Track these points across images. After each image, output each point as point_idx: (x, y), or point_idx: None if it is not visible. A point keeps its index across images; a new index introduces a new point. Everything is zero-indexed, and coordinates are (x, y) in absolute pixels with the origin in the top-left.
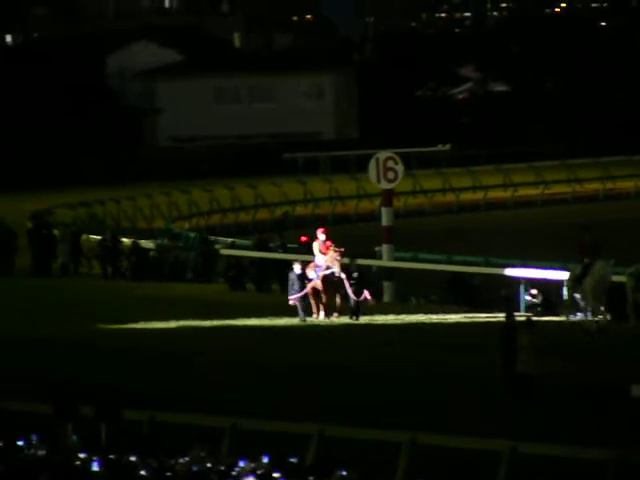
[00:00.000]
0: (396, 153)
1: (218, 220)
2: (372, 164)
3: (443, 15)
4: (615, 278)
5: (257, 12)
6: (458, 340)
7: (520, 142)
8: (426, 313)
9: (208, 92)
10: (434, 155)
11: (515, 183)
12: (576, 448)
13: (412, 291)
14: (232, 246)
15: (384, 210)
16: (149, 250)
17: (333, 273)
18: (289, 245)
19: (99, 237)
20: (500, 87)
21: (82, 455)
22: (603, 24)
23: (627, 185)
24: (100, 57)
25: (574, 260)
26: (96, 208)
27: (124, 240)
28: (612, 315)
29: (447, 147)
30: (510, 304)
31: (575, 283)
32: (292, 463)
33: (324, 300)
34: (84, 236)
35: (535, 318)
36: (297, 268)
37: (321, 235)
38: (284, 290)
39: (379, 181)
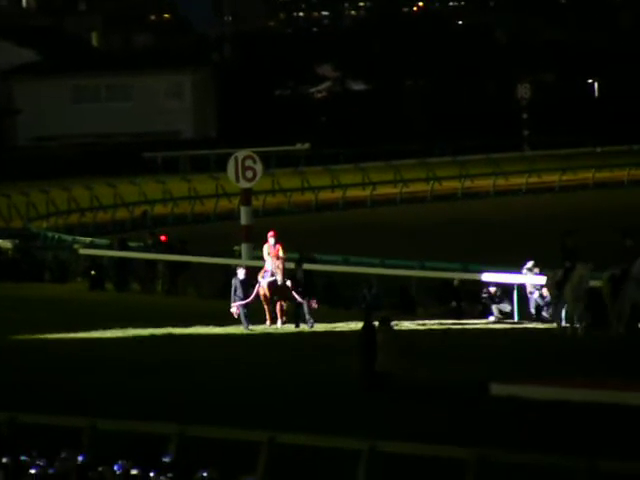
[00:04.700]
0: (255, 152)
1: (76, 219)
2: (231, 163)
3: (301, 14)
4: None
5: (115, 11)
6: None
7: (379, 141)
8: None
9: (66, 92)
10: (293, 154)
11: (374, 182)
12: (435, 447)
13: None
14: (91, 245)
15: (243, 209)
16: (7, 250)
17: (276, 281)
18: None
19: None
20: (359, 86)
21: None
22: (460, 22)
23: (485, 183)
24: None
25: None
26: None
27: None
28: (591, 322)
29: (306, 146)
30: (369, 303)
31: (556, 288)
32: (151, 459)
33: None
34: None
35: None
36: (241, 273)
37: (271, 239)
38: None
39: (238, 180)
